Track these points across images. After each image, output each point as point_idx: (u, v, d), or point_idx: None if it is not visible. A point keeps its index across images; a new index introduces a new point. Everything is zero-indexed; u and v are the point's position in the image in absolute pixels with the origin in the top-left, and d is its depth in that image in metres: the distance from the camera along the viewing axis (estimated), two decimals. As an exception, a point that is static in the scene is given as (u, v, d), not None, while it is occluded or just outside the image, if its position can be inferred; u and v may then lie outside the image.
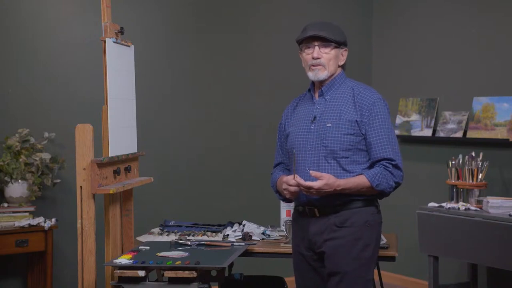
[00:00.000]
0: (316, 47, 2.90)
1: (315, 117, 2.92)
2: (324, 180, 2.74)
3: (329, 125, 2.86)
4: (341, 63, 2.97)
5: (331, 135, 2.84)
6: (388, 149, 2.82)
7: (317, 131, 2.88)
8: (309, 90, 3.02)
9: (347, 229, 2.81)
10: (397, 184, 2.84)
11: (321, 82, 2.95)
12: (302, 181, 2.76)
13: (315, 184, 2.73)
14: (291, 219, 3.61)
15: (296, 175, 2.79)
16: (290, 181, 2.81)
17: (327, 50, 2.91)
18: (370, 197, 2.86)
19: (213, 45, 5.04)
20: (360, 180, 2.79)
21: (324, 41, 2.90)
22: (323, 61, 2.90)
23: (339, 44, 2.93)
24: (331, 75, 2.94)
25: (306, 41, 2.93)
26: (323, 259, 2.87)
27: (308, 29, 2.93)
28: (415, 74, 5.40)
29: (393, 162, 2.81)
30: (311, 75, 2.93)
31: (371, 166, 2.85)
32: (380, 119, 2.85)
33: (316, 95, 2.99)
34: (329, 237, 2.83)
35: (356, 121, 2.84)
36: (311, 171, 2.77)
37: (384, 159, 2.81)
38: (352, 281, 2.80)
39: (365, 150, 2.86)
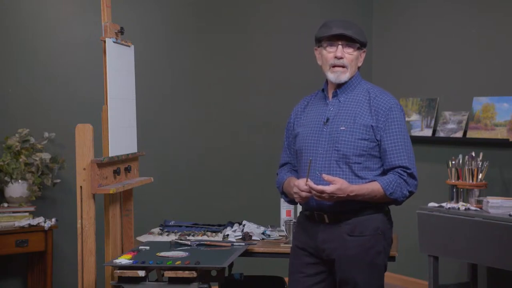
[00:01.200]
0: (340, 46, 2.77)
1: (328, 119, 2.79)
2: (337, 184, 2.63)
3: (343, 128, 2.74)
4: (360, 64, 2.86)
5: (344, 139, 2.73)
6: (404, 157, 2.72)
7: (330, 134, 2.76)
8: (323, 89, 2.90)
9: (358, 238, 2.73)
10: (411, 193, 2.75)
11: (338, 83, 2.83)
12: (314, 185, 2.65)
13: (328, 188, 2.62)
14: (291, 219, 3.61)
15: (308, 180, 2.68)
16: (302, 185, 2.69)
17: (350, 50, 2.78)
18: (382, 203, 2.77)
19: (213, 45, 5.04)
20: (373, 187, 2.69)
21: (349, 41, 2.77)
22: (346, 61, 2.77)
23: (361, 45, 2.82)
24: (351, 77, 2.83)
25: (328, 38, 2.78)
26: (330, 265, 2.79)
27: (332, 26, 2.78)
28: (415, 74, 5.40)
29: (408, 171, 2.71)
30: (332, 77, 2.79)
31: (383, 173, 2.76)
32: (396, 125, 2.74)
33: (330, 95, 2.85)
34: (340, 246, 2.73)
35: (372, 125, 2.72)
36: (323, 175, 2.66)
37: (399, 167, 2.71)
38: None
39: (378, 156, 2.75)
